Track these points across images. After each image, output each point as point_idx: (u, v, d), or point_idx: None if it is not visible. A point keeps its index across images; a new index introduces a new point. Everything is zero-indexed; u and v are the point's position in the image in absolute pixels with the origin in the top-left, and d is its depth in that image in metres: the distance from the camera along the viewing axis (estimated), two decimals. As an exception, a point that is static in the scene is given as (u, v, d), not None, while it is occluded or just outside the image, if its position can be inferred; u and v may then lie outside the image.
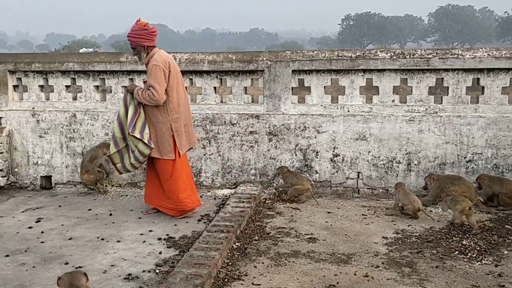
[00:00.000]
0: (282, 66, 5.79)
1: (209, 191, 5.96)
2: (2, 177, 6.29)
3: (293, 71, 5.79)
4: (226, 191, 5.92)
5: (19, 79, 6.40)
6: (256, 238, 4.56)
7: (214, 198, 5.73)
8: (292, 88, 5.86)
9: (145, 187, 5.38)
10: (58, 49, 57.16)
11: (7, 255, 4.22)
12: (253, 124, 5.89)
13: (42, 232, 4.76)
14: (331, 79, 5.84)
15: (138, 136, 4.84)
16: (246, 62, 5.85)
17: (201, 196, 5.76)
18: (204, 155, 6.04)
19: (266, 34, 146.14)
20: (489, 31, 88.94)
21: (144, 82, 5.11)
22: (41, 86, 6.39)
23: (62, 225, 4.97)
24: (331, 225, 4.90)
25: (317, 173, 5.86)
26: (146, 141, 4.87)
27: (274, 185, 5.90)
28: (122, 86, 6.13)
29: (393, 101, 5.76)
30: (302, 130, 5.81)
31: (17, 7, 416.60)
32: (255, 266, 3.93)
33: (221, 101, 6.08)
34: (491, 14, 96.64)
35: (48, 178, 6.35)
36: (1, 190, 6.26)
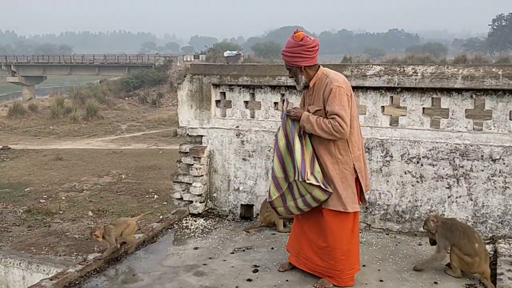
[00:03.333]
0: None
1: (454, 244, 4.61)
2: (200, 202, 5.60)
3: None
4: (480, 247, 4.52)
5: (223, 93, 5.66)
6: None
7: (467, 257, 4.37)
8: None
9: (290, 237, 4.17)
10: (204, 51, 59.83)
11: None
12: (524, 161, 4.41)
13: (266, 290, 3.85)
14: None
15: (315, 183, 3.64)
16: (520, 78, 4.39)
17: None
18: (449, 197, 4.70)
19: (406, 35, 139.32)
20: None
21: (316, 111, 3.72)
22: (245, 102, 5.59)
23: (287, 280, 4.01)
24: None
25: None
26: (323, 186, 3.66)
27: None
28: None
29: None
30: None
31: (165, 11, 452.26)
32: None
33: (473, 128, 4.70)
34: None
35: (249, 207, 5.52)
36: (198, 217, 5.57)
